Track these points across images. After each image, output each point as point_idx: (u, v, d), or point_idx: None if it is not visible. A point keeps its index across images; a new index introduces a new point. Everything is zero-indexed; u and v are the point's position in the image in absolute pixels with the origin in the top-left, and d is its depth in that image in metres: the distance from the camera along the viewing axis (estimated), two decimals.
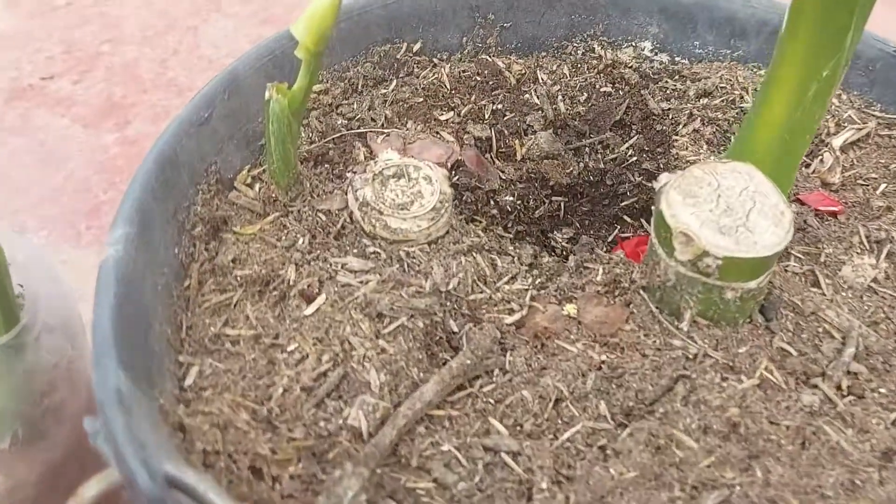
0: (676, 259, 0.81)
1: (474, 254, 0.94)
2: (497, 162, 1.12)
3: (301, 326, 0.80)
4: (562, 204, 1.20)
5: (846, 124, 1.14)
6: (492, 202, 1.08)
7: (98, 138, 1.92)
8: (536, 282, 0.94)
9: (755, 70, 1.21)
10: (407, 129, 1.07)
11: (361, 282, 0.85)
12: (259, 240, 0.89)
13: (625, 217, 1.21)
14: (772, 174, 0.88)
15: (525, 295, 0.91)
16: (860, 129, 1.13)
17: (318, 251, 0.89)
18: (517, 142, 1.14)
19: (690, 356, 0.82)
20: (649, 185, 1.17)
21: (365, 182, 0.93)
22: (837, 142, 1.12)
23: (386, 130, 1.05)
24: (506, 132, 1.13)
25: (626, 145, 1.19)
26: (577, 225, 1.21)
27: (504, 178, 1.11)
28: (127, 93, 2.04)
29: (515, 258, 0.97)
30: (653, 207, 0.87)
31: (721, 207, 0.80)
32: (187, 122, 0.85)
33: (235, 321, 0.82)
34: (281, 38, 0.98)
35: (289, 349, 0.78)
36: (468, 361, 0.81)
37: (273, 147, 0.86)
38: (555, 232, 1.19)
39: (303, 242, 0.89)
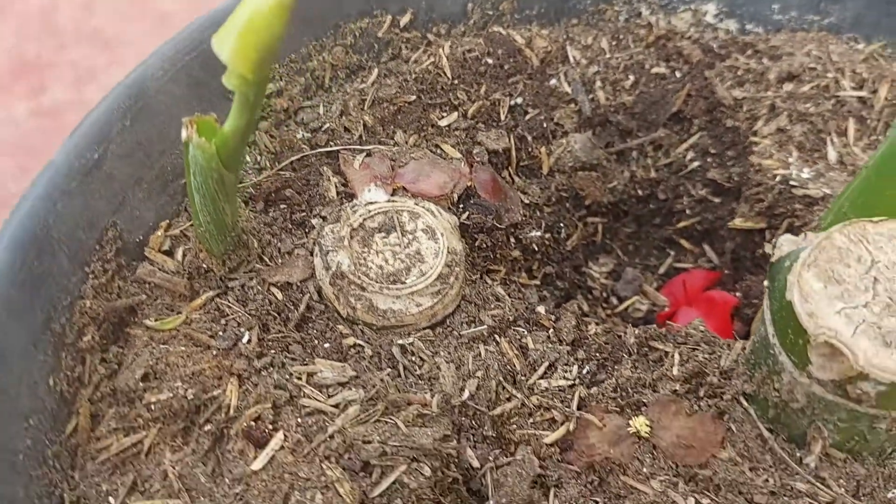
0: (811, 376, 0.54)
1: (497, 337, 0.66)
2: (517, 179, 0.83)
3: (247, 491, 0.53)
4: (599, 226, 0.92)
5: None
6: (513, 241, 0.80)
7: (8, 108, 1.57)
8: (584, 371, 0.67)
9: (852, 44, 0.92)
10: (395, 144, 0.77)
11: (337, 405, 0.58)
12: (184, 338, 0.60)
13: (681, 241, 0.93)
14: None
15: (572, 395, 0.65)
16: None
17: (274, 353, 0.61)
18: (543, 149, 0.85)
19: None
20: (716, 200, 0.90)
21: (339, 241, 0.64)
22: None
23: (366, 147, 0.75)
24: (528, 137, 0.84)
25: (685, 146, 0.90)
26: (619, 252, 0.94)
27: (528, 201, 0.83)
28: (42, 49, 1.68)
29: (550, 333, 0.70)
30: (766, 284, 0.60)
31: (881, 300, 0.53)
32: (64, 172, 0.55)
33: (147, 483, 0.54)
34: (215, 24, 0.67)
35: None
36: None
37: (199, 207, 0.56)
38: (590, 264, 0.92)
39: (249, 340, 0.60)
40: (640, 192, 0.90)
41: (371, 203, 0.67)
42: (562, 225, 0.85)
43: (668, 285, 0.90)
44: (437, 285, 0.64)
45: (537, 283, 0.82)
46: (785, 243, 0.59)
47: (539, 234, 0.80)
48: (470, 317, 0.66)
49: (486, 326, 0.65)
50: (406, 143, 0.77)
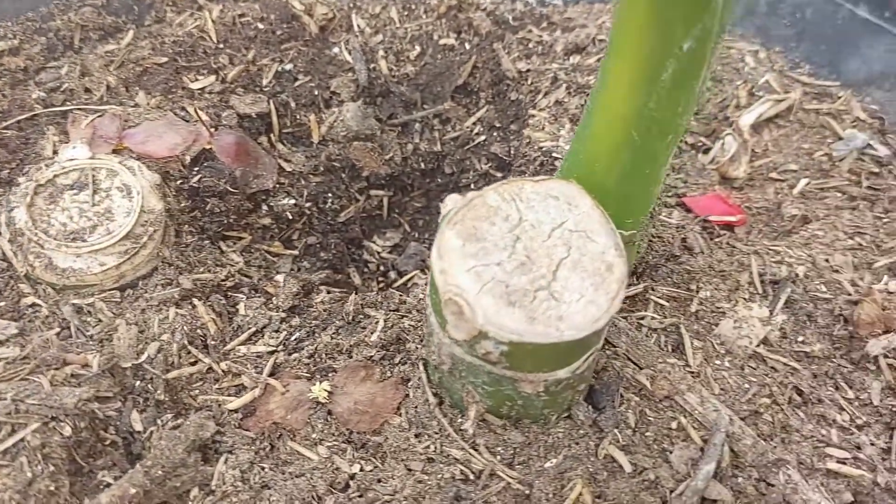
0: (450, 336, 0.52)
1: (195, 300, 0.64)
2: (281, 147, 0.82)
3: None
4: (385, 199, 0.90)
5: (762, 93, 0.85)
6: (265, 208, 0.78)
7: None
8: (292, 339, 0.65)
9: None
10: (136, 105, 0.75)
11: None
12: None
13: None
14: (619, 193, 0.59)
15: (266, 362, 0.63)
16: (780, 101, 0.84)
17: None
18: (313, 117, 0.83)
19: (472, 475, 0.55)
20: (498, 175, 0.88)
21: (23, 197, 0.62)
22: (747, 119, 0.82)
23: (100, 107, 0.73)
24: (294, 104, 0.82)
25: (473, 119, 0.88)
26: (407, 227, 0.92)
27: (290, 169, 0.81)
28: None
29: (274, 298, 0.68)
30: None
31: (517, 258, 0.51)
32: None
33: None
34: None
35: None
36: (132, 490, 0.53)
37: None
38: (375, 238, 0.90)
39: None
40: (423, 165, 0.88)
41: (70, 160, 0.65)
42: (330, 195, 0.83)
43: None
44: (125, 244, 0.63)
45: (296, 253, 0.80)
46: (449, 202, 0.57)
47: (293, 202, 0.79)
48: (167, 279, 0.65)
49: (178, 289, 0.64)
50: (148, 104, 0.75)
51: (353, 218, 0.86)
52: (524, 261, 0.51)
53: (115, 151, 0.69)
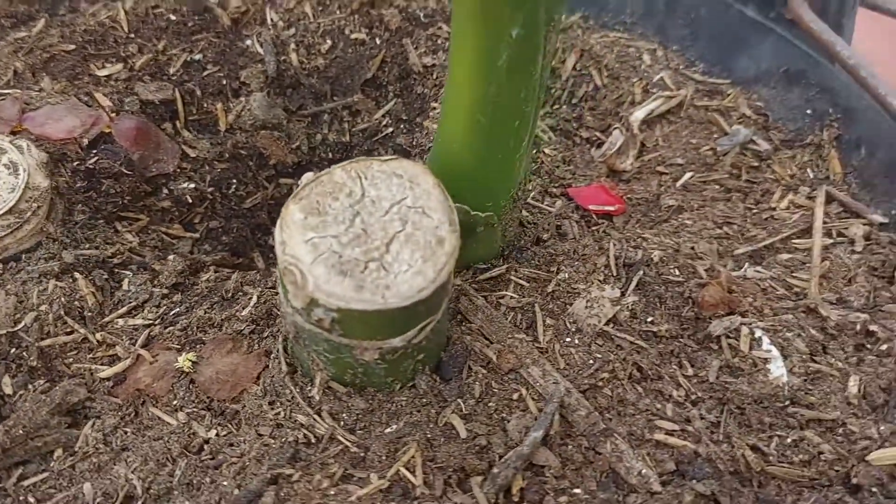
0: (291, 305, 0.55)
1: (76, 274, 0.67)
2: (186, 134, 0.85)
3: None
4: (294, 188, 0.93)
5: (655, 90, 0.88)
6: (163, 192, 0.81)
7: None
8: (171, 313, 0.68)
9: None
10: (41, 90, 0.78)
11: None
12: None
13: None
14: (476, 177, 0.62)
15: (141, 334, 0.66)
16: (671, 98, 0.87)
17: None
18: (220, 106, 0.86)
19: (314, 439, 0.58)
20: None
21: None
22: (639, 114, 0.85)
23: (6, 91, 0.77)
24: (200, 93, 0.85)
25: (382, 112, 0.91)
26: None
27: (195, 156, 0.84)
28: None
29: (160, 276, 0.71)
30: None
31: (354, 231, 0.54)
32: None
33: None
34: None
35: None
36: None
37: None
38: None
39: None
40: (332, 155, 0.91)
41: None
42: (235, 182, 0.86)
43: None
44: (8, 219, 0.66)
45: (196, 236, 0.83)
46: (304, 180, 0.60)
47: (193, 186, 0.82)
48: (50, 253, 0.68)
49: (59, 263, 0.67)
50: (52, 89, 0.78)
51: (260, 205, 0.89)
52: (360, 234, 0.54)
53: (13, 133, 0.72)
